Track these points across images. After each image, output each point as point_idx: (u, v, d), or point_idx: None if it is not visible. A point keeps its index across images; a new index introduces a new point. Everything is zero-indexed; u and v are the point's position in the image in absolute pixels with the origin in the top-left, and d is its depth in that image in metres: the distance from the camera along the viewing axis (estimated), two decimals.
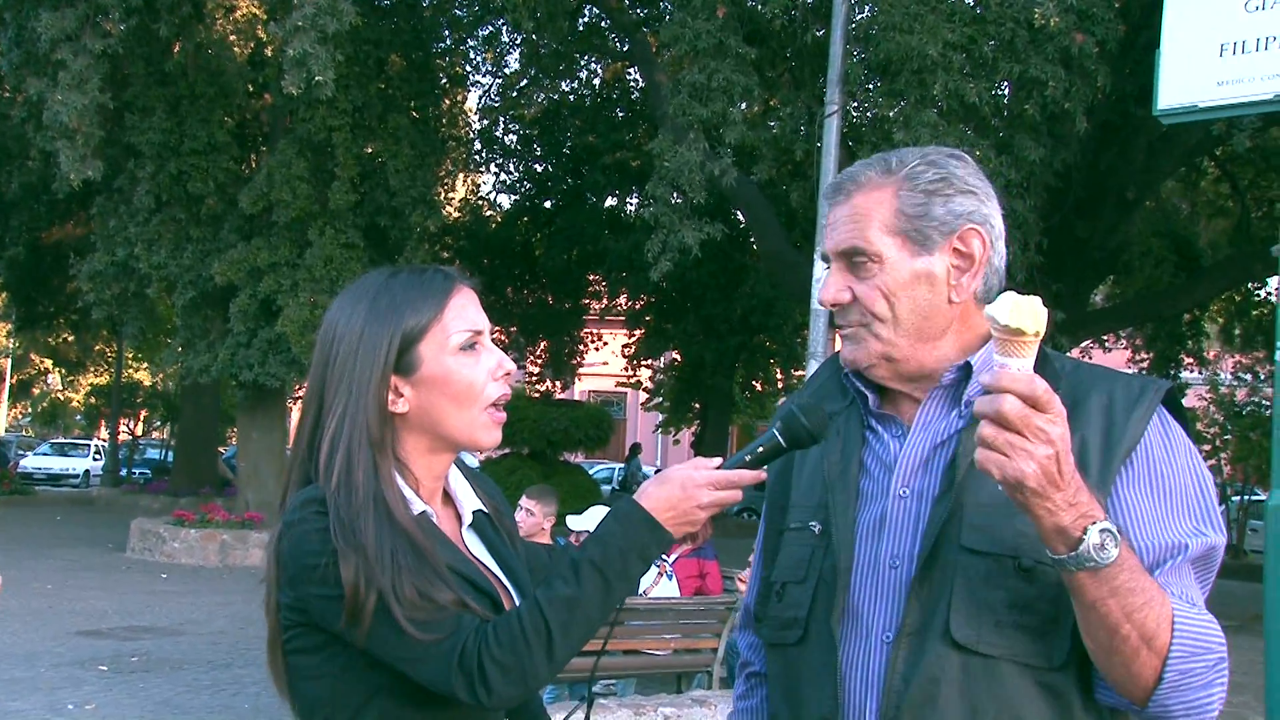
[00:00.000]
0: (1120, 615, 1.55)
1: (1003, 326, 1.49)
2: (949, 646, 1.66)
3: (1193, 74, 6.59)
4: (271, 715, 8.17)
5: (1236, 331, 22.98)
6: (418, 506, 1.86)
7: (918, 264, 1.79)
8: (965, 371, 1.80)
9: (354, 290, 1.93)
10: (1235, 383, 24.61)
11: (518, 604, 1.91)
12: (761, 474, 1.83)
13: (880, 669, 1.72)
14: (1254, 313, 21.79)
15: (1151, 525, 1.67)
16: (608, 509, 7.27)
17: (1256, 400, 23.63)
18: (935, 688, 1.66)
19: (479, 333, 1.90)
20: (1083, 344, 18.68)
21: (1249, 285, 20.51)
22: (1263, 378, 23.15)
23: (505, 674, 1.71)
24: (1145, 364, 21.90)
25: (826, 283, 1.84)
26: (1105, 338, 21.03)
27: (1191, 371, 23.49)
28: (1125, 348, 22.72)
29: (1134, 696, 1.63)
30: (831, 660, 1.75)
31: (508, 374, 1.92)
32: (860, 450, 1.85)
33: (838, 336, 2.00)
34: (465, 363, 1.87)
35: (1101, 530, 1.53)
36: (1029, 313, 1.49)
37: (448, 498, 2.01)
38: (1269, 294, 20.67)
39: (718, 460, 1.82)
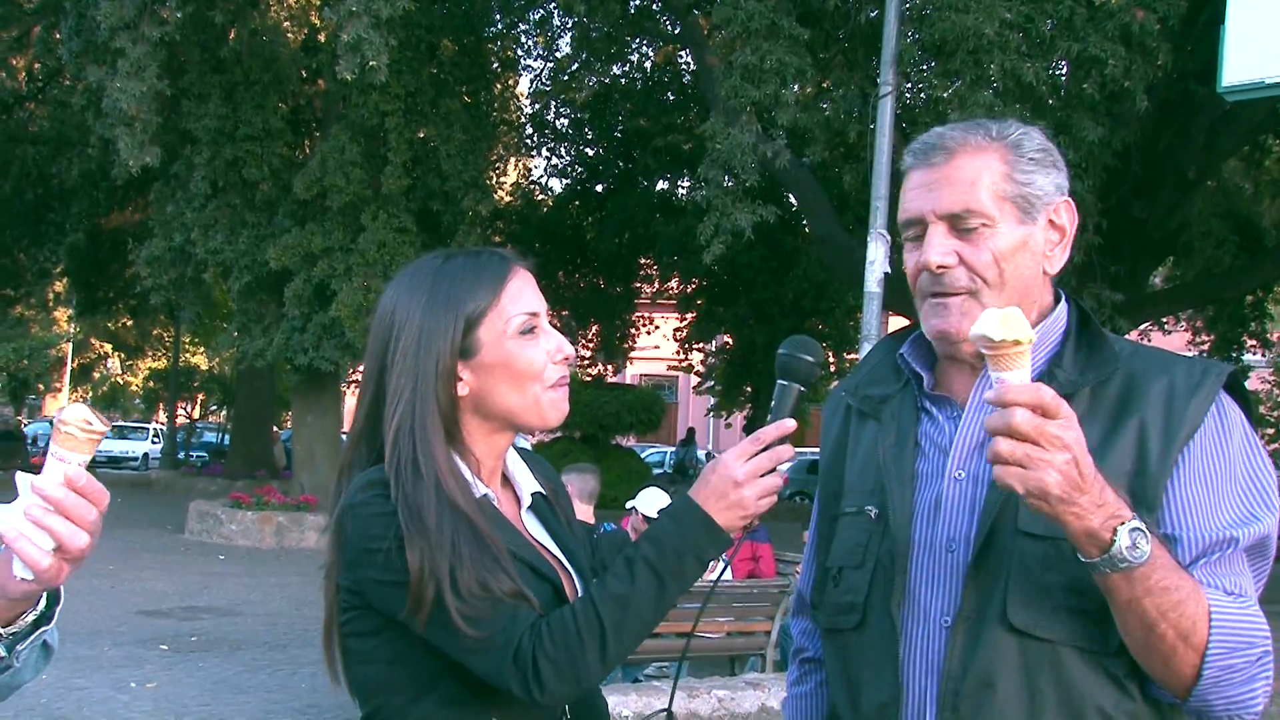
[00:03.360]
0: (1156, 614, 1.54)
1: (999, 341, 1.49)
2: (1007, 631, 1.65)
3: (1259, 49, 6.47)
4: (327, 695, 8.26)
5: None
6: (479, 489, 1.84)
7: (1022, 231, 1.77)
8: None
9: (410, 276, 1.91)
10: None
11: (578, 587, 1.91)
12: (790, 423, 1.78)
13: (939, 654, 1.70)
14: None
15: (1203, 517, 1.65)
16: (656, 489, 7.26)
17: None
18: (993, 673, 1.65)
19: (536, 315, 1.88)
20: (1141, 326, 18.41)
21: None
22: None
23: (558, 671, 1.70)
24: (1206, 346, 21.55)
25: (931, 244, 1.75)
26: (1164, 320, 20.70)
27: (1255, 354, 23.05)
28: (1185, 330, 22.36)
29: (1175, 691, 1.62)
30: (892, 645, 1.73)
31: (566, 357, 1.90)
32: (915, 432, 1.82)
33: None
34: (525, 346, 1.86)
35: (1132, 530, 1.51)
36: (1016, 323, 1.49)
37: (506, 480, 2.00)
38: None
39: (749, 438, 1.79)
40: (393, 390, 1.83)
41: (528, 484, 2.01)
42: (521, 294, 1.88)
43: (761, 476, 1.74)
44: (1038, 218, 1.78)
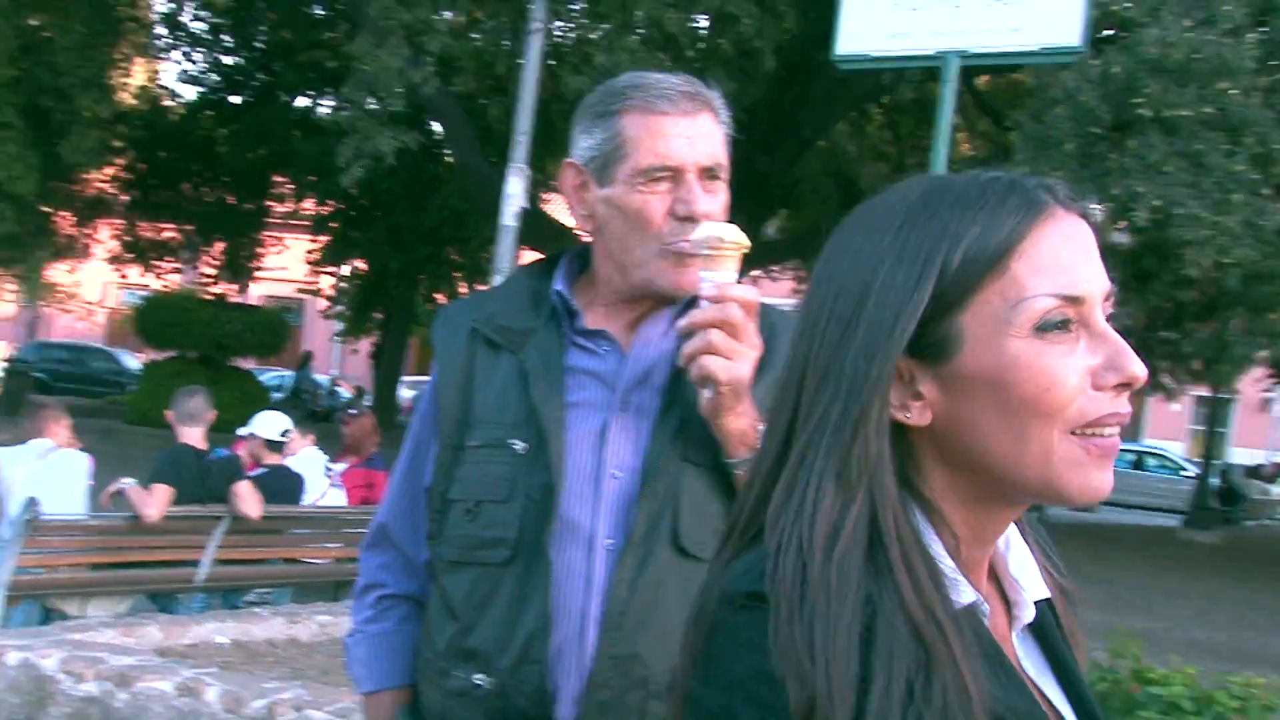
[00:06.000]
0: None
1: (728, 243, 1.70)
2: (675, 554, 1.74)
3: (869, 24, 7.03)
4: None
5: None
6: (965, 594, 1.01)
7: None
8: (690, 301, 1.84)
9: (882, 206, 1.06)
10: None
11: None
12: None
13: (603, 577, 1.75)
14: None
15: None
16: (274, 413, 6.86)
17: None
18: (661, 592, 1.73)
19: (1079, 301, 1.00)
20: (753, 274, 19.65)
21: None
22: None
23: None
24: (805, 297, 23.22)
25: (698, 193, 1.80)
26: (774, 269, 22.20)
27: None
28: (791, 279, 24.04)
29: None
30: (544, 577, 1.75)
31: (1124, 381, 1.00)
32: (565, 364, 1.85)
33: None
34: (1043, 354, 0.99)
35: None
36: (738, 232, 1.72)
37: (992, 576, 1.15)
38: None
39: None
40: (807, 404, 1.03)
41: (1031, 584, 1.13)
42: (1056, 258, 1.01)
43: None
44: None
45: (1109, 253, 1.04)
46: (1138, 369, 1.00)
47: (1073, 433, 0.99)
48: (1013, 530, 1.12)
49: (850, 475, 0.98)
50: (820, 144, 17.79)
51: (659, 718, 1.71)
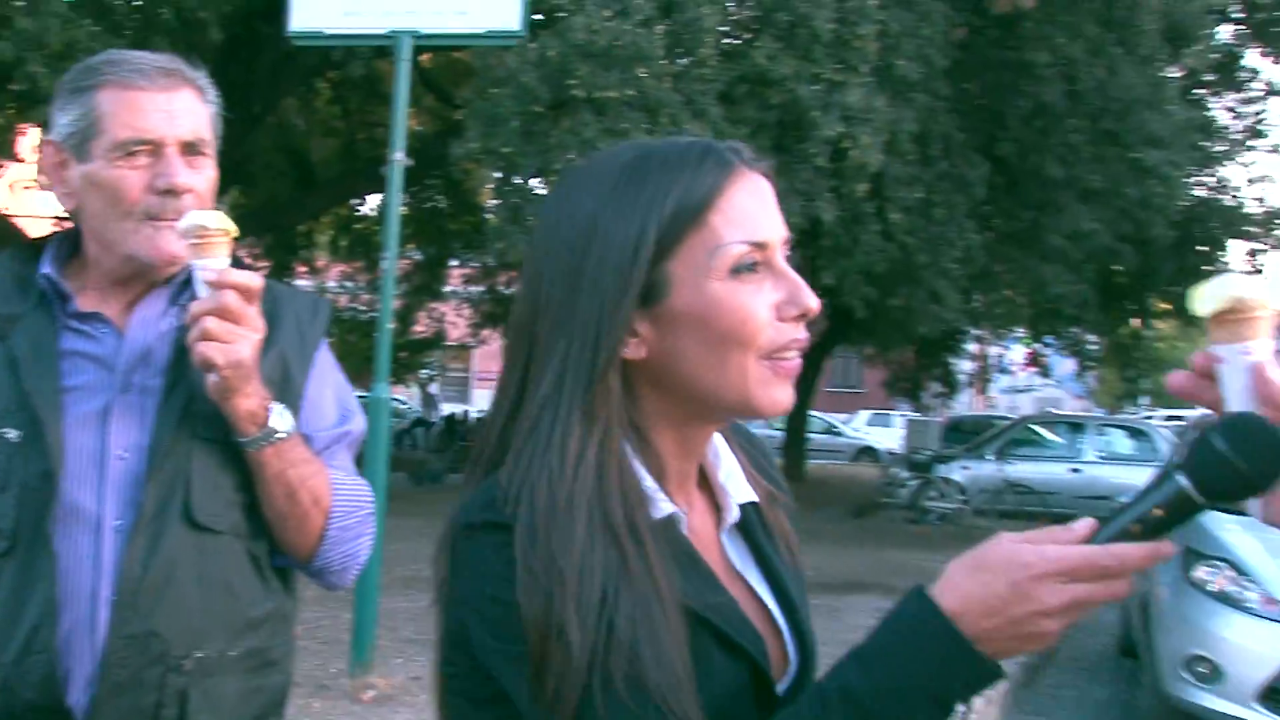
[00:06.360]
0: (297, 482, 1.83)
1: (213, 230, 1.75)
2: (188, 528, 1.79)
3: (320, 3, 7.25)
4: None
5: (343, 243, 24.90)
6: (663, 507, 1.20)
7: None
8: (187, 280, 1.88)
9: (594, 168, 1.25)
10: (340, 290, 26.58)
11: (790, 653, 1.28)
12: (1166, 548, 1.06)
13: (113, 558, 1.76)
14: (356, 226, 23.82)
15: (326, 415, 1.99)
16: None
17: (354, 306, 25.71)
18: (174, 567, 1.77)
19: (763, 247, 1.20)
20: None
21: (353, 201, 22.46)
22: (361, 285, 25.29)
23: None
24: (264, 273, 22.85)
25: (177, 167, 1.82)
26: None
27: (303, 280, 25.03)
28: (247, 256, 23.48)
29: (301, 554, 1.90)
30: (46, 566, 1.74)
31: (801, 314, 1.21)
32: (58, 349, 1.84)
33: (154, 230, 1.81)
34: (739, 292, 1.19)
35: (280, 411, 1.81)
36: (224, 218, 1.77)
37: (703, 482, 1.33)
38: (370, 210, 22.72)
39: (1079, 529, 1.08)
40: (547, 345, 1.19)
41: (737, 489, 1.32)
42: (744, 211, 1.20)
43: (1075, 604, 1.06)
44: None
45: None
46: (813, 302, 1.19)
47: (763, 358, 1.19)
48: (722, 444, 1.32)
49: (594, 410, 1.14)
50: (269, 119, 17.61)
51: (178, 690, 1.76)
